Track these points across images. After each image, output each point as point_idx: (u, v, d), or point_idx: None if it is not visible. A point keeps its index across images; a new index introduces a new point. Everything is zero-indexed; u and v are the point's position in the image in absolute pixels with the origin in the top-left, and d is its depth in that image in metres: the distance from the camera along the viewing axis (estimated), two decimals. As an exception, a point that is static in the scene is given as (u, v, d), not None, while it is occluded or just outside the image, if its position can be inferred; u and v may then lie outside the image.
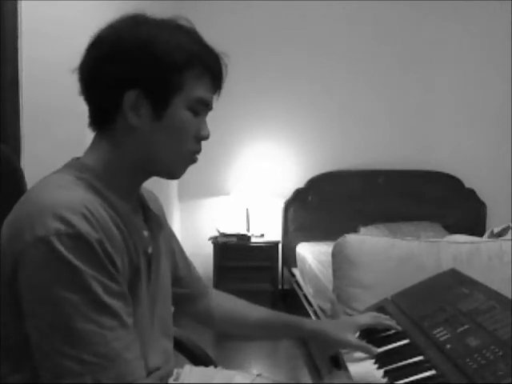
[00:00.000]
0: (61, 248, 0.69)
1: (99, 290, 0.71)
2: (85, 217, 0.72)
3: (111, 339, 0.71)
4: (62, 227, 0.70)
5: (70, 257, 0.69)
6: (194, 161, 0.90)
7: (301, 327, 1.17)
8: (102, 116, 0.84)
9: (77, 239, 0.70)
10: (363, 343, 1.11)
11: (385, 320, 1.19)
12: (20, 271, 0.71)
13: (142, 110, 0.81)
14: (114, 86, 0.81)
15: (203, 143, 0.90)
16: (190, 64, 0.82)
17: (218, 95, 0.91)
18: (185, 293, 1.16)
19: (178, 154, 0.87)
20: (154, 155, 0.85)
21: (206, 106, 0.88)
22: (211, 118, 0.92)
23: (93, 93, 0.84)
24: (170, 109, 0.82)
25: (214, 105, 0.91)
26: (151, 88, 0.81)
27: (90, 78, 0.83)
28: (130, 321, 0.76)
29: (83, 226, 0.71)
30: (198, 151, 0.89)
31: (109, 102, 0.82)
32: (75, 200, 0.74)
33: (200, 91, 0.85)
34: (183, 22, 0.86)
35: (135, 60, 0.80)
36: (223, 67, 0.88)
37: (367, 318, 1.19)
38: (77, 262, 0.69)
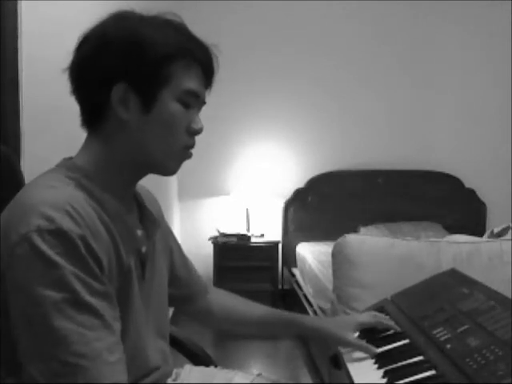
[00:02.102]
0: (41, 244, 0.68)
1: (80, 287, 0.69)
2: (68, 213, 0.71)
3: (92, 339, 0.68)
4: (43, 223, 0.69)
5: (51, 253, 0.68)
6: (188, 156, 0.89)
7: (301, 325, 1.18)
8: (93, 114, 0.84)
9: (58, 235, 0.69)
10: (363, 343, 1.11)
11: (384, 320, 1.20)
12: (8, 271, 0.70)
13: (130, 103, 0.81)
14: (101, 81, 0.80)
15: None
16: (177, 55, 0.82)
17: (210, 88, 0.89)
18: (184, 292, 1.16)
19: (170, 148, 0.85)
20: (145, 149, 0.84)
21: (197, 97, 0.86)
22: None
23: (82, 91, 0.84)
24: (158, 101, 0.82)
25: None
26: (138, 81, 0.80)
27: (79, 77, 0.83)
28: (115, 324, 0.73)
29: (65, 222, 0.70)
30: (191, 145, 0.88)
31: (98, 98, 0.82)
32: (60, 198, 0.74)
33: (189, 83, 0.84)
34: (171, 17, 0.85)
35: (121, 54, 0.80)
36: (213, 58, 0.87)
37: (367, 317, 1.20)
38: (57, 259, 0.68)
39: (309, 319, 1.20)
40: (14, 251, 0.69)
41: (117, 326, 0.74)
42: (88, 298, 0.70)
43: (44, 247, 0.68)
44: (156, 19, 0.84)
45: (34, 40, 1.42)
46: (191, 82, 0.84)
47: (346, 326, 1.15)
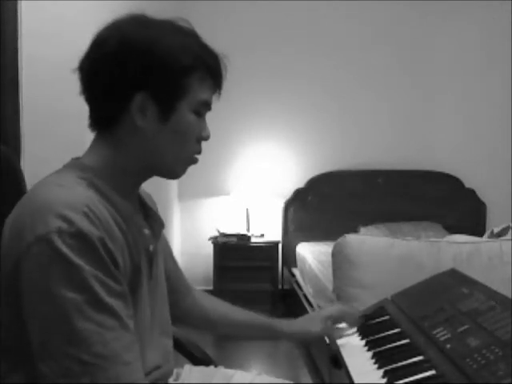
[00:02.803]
0: (62, 246, 0.69)
1: (100, 289, 0.70)
2: (86, 215, 0.72)
3: (111, 339, 0.70)
4: (63, 225, 0.70)
5: (72, 255, 0.69)
6: (194, 161, 0.91)
7: (278, 330, 1.22)
8: (105, 116, 0.84)
9: (78, 237, 0.70)
10: (329, 329, 1.21)
11: (349, 312, 1.26)
12: (22, 270, 0.70)
13: (148, 111, 0.82)
14: (120, 86, 0.81)
15: (204, 142, 0.91)
16: (195, 67, 0.83)
17: (219, 96, 0.91)
18: (173, 293, 1.16)
19: (181, 156, 0.88)
20: (157, 156, 0.86)
21: (208, 107, 0.89)
22: (211, 118, 0.92)
23: (96, 93, 0.83)
24: (176, 112, 0.83)
25: (214, 105, 0.92)
26: (159, 91, 0.82)
27: (94, 78, 0.83)
28: (130, 322, 0.75)
29: (85, 225, 0.71)
30: (199, 152, 0.91)
31: (114, 102, 0.82)
32: (76, 198, 0.74)
33: (204, 94, 0.86)
34: (182, 24, 0.86)
35: (143, 62, 0.80)
36: (223, 68, 0.89)
37: (332, 310, 1.27)
38: (78, 261, 0.69)
39: (284, 324, 1.23)
40: (29, 250, 0.70)
41: (131, 324, 0.76)
42: (107, 299, 0.71)
43: (65, 249, 0.69)
44: (172, 26, 0.85)
45: (34, 40, 1.42)
46: (206, 93, 0.86)
47: (313, 322, 1.22)
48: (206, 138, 0.91)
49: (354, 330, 1.24)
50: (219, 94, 0.91)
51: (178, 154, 0.87)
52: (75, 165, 0.85)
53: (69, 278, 0.69)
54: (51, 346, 0.69)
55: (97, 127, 0.86)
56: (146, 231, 0.91)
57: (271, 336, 1.25)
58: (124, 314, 0.74)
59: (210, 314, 1.22)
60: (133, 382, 0.72)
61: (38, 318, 0.70)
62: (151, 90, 0.81)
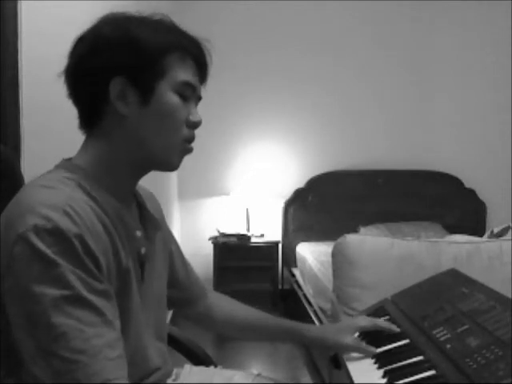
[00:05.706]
0: (38, 243, 0.68)
1: (79, 285, 0.69)
2: (66, 213, 0.71)
3: (92, 335, 0.68)
4: (39, 222, 0.69)
5: (48, 251, 0.68)
6: (188, 150, 0.89)
7: (300, 334, 1.17)
8: (91, 113, 0.84)
9: (54, 234, 0.69)
10: (362, 345, 1.11)
11: (383, 323, 1.18)
12: (7, 271, 0.70)
13: (129, 97, 0.82)
14: (98, 78, 0.81)
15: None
16: (171, 48, 0.83)
17: (205, 82, 0.91)
18: (184, 295, 1.16)
19: (170, 141, 0.86)
20: (145, 144, 0.84)
21: (193, 90, 0.87)
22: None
23: (79, 91, 0.84)
24: (156, 93, 0.82)
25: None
26: (135, 74, 0.81)
27: (75, 77, 0.84)
28: (115, 321, 0.73)
29: (62, 221, 0.70)
30: (191, 138, 0.88)
31: (95, 95, 0.82)
32: (58, 198, 0.74)
33: (185, 74, 0.85)
34: (161, 17, 0.87)
35: (116, 49, 0.81)
36: (205, 52, 0.88)
37: (366, 321, 1.19)
38: (55, 257, 0.68)
39: (308, 329, 1.18)
40: (13, 251, 0.69)
41: (117, 323, 0.74)
42: (87, 294, 0.69)
43: (41, 245, 0.68)
44: (148, 19, 0.86)
45: (34, 40, 1.42)
46: (187, 74, 0.85)
47: (345, 331, 1.15)
48: (196, 124, 0.88)
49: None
50: (205, 80, 0.90)
51: (166, 140, 0.85)
52: (65, 165, 0.84)
53: (45, 274, 0.68)
54: (35, 346, 0.68)
55: (85, 126, 0.86)
56: (139, 233, 0.90)
57: (293, 340, 1.22)
58: (108, 312, 0.72)
59: (229, 318, 1.20)
60: (115, 378, 0.69)
61: (21, 317, 0.69)
62: (127, 74, 0.81)
